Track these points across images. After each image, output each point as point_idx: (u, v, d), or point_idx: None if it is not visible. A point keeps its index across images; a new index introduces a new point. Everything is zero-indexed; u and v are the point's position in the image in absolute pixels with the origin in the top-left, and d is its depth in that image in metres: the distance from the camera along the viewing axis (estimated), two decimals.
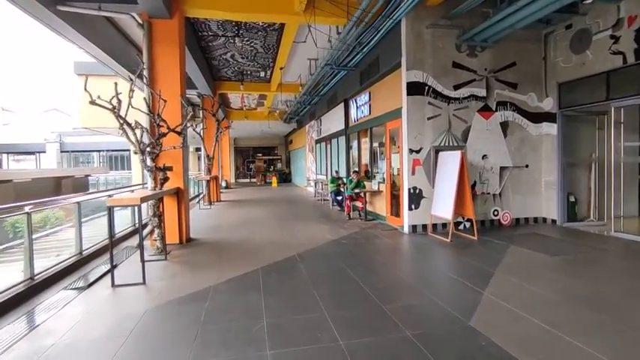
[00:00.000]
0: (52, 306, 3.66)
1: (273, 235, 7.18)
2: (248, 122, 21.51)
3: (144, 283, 4.27)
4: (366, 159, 9.67)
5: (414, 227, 6.93)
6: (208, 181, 12.59)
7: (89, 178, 23.38)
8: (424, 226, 6.94)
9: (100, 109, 4.84)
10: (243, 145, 30.21)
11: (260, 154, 29.44)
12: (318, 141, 15.71)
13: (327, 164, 14.18)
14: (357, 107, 10.02)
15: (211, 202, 12.52)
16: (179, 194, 6.42)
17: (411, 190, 6.90)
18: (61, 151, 31.01)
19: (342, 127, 11.34)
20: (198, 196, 14.04)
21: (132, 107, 5.43)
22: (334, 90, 12.12)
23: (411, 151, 6.87)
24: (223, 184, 20.65)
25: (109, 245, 4.31)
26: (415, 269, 4.94)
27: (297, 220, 8.99)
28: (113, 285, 4.20)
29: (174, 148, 5.72)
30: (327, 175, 14.08)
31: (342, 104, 11.20)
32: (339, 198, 10.53)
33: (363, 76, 9.28)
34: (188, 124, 12.35)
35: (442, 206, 6.50)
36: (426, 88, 6.89)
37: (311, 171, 17.75)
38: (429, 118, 6.94)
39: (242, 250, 5.95)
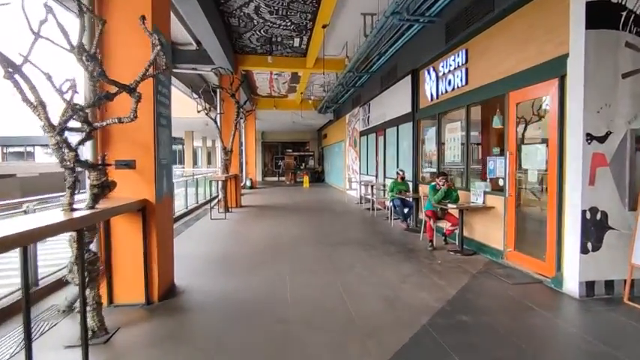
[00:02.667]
0: None
1: (316, 287, 4.01)
2: (277, 112, 18.52)
3: None
4: (454, 154, 6.34)
5: (589, 285, 3.58)
6: (225, 182, 9.66)
7: None
8: (608, 284, 3.59)
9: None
10: (271, 140, 27.35)
11: (290, 150, 26.41)
12: (364, 132, 12.43)
13: (377, 162, 10.89)
14: (436, 78, 6.70)
15: (228, 208, 9.57)
16: (146, 213, 3.41)
17: (587, 214, 3.55)
18: None
19: (408, 109, 8.02)
20: (212, 200, 11.13)
21: (41, 37, 2.58)
22: (394, 61, 8.82)
23: (589, 138, 3.52)
24: (247, 183, 17.87)
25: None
26: None
27: (349, 246, 5.80)
28: None
29: (119, 121, 2.70)
30: (376, 177, 10.82)
31: (409, 78, 7.90)
32: (406, 210, 7.27)
33: (451, 28, 5.98)
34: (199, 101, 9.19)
35: None
36: (623, 15, 3.52)
37: (352, 170, 14.50)
38: (624, 76, 3.56)
39: (258, 336, 2.85)
